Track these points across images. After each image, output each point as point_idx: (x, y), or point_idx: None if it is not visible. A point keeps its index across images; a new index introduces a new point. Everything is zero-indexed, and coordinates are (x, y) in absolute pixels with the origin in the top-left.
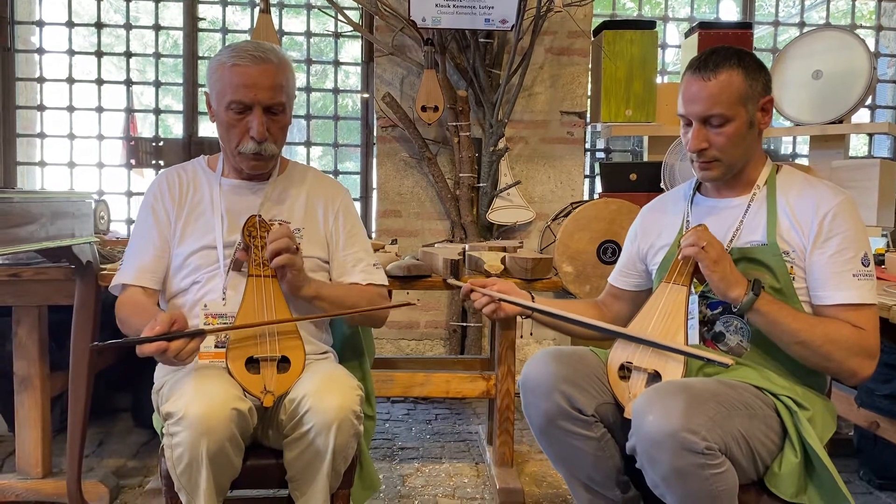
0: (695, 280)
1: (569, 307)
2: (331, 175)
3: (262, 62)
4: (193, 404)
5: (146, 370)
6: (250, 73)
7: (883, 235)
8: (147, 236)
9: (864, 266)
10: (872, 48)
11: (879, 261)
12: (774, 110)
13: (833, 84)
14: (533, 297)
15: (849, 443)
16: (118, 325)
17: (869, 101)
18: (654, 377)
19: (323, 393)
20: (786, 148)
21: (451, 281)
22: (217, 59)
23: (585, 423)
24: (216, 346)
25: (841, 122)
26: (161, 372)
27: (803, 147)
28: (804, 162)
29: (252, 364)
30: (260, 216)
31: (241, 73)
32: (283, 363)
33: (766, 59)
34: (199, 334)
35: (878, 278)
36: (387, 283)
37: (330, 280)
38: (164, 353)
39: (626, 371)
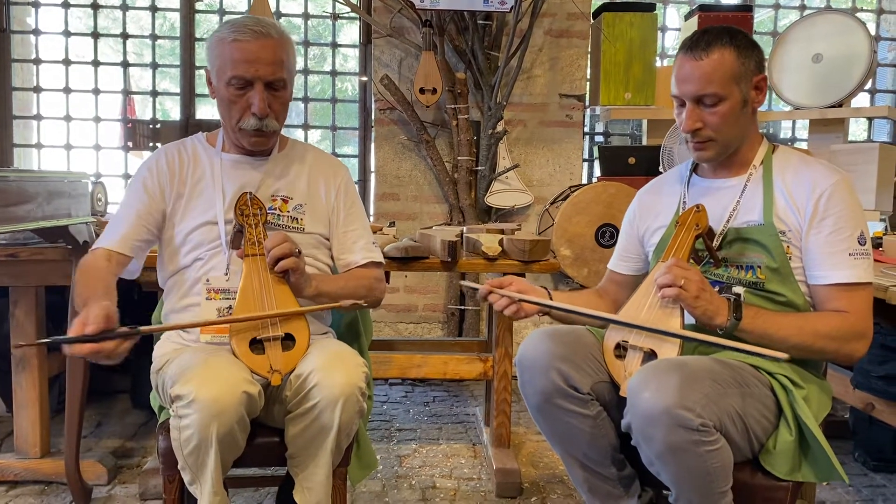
0: (691, 260)
1: (575, 299)
2: None
3: (263, 37)
4: (204, 387)
5: (144, 351)
6: (251, 49)
7: (881, 220)
8: (131, 205)
9: (861, 245)
10: (873, 32)
11: (877, 244)
12: (774, 94)
13: (833, 68)
14: (549, 293)
15: (844, 424)
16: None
17: (869, 85)
18: (650, 356)
19: (330, 369)
20: (785, 132)
21: (466, 283)
22: (217, 35)
23: (581, 401)
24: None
25: (840, 105)
26: (160, 351)
27: (803, 131)
28: (803, 146)
29: (256, 344)
30: (251, 194)
31: (242, 48)
32: (287, 340)
33: (767, 43)
34: (135, 334)
35: (877, 261)
36: (384, 261)
37: (331, 256)
38: (97, 354)
39: (621, 350)
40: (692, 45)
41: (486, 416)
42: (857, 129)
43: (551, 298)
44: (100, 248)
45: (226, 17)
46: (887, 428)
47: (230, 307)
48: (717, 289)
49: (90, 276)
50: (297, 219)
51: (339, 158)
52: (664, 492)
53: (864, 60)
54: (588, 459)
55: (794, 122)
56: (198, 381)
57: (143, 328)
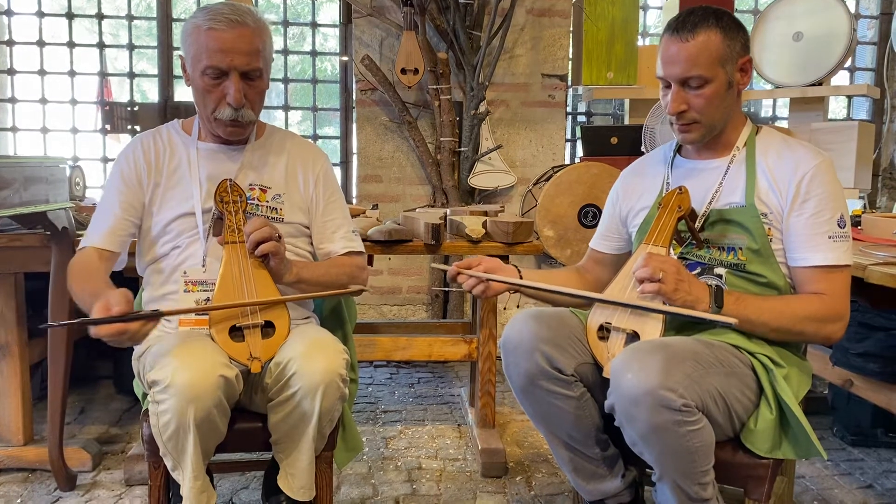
0: (674, 241)
1: (551, 277)
2: (310, 140)
3: (239, 26)
4: (180, 372)
5: None
6: (226, 38)
7: (860, 197)
8: (112, 200)
9: (840, 228)
10: (852, 10)
11: (856, 222)
12: (755, 73)
13: (813, 46)
14: (519, 271)
15: (823, 400)
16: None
17: (848, 64)
18: (633, 337)
19: (309, 356)
20: (766, 111)
21: (436, 265)
22: (192, 22)
23: (565, 382)
24: (197, 314)
25: (821, 84)
26: None
27: (783, 110)
28: (784, 124)
29: (236, 332)
30: (231, 180)
31: (217, 37)
32: (267, 328)
33: (748, 21)
34: (156, 316)
35: (855, 239)
36: (364, 249)
37: (311, 245)
38: (122, 335)
39: (605, 331)
40: (678, 27)
41: (471, 396)
42: (837, 108)
43: (521, 277)
44: (89, 248)
45: None
46: (865, 404)
47: (208, 299)
48: (698, 270)
49: (90, 272)
50: (276, 209)
51: (321, 140)
52: (647, 471)
53: (844, 38)
54: (572, 440)
55: (774, 101)
56: (174, 367)
57: (164, 310)
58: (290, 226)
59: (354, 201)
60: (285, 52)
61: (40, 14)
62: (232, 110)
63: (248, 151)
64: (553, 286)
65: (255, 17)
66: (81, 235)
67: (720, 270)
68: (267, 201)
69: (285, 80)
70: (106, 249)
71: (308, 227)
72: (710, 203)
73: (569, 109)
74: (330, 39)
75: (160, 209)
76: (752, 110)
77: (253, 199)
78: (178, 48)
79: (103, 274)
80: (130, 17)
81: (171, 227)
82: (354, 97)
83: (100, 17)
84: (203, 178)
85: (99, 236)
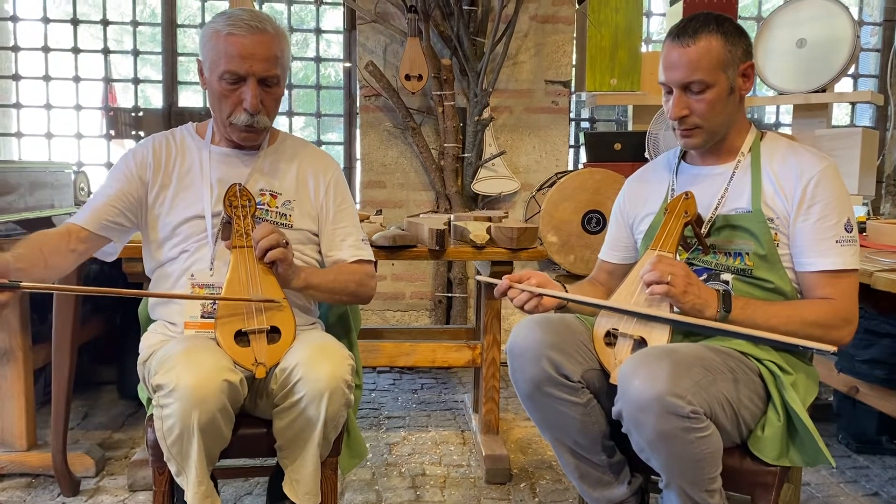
0: (680, 247)
1: (575, 291)
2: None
3: (258, 32)
4: (184, 376)
5: (131, 342)
6: (245, 44)
7: (864, 204)
8: (108, 186)
9: (847, 232)
10: (856, 16)
11: (861, 229)
12: (758, 79)
13: (817, 52)
14: (565, 287)
15: (828, 407)
16: None
17: (852, 70)
18: (640, 343)
19: (314, 362)
20: (769, 117)
21: (483, 278)
22: (211, 27)
23: (572, 388)
24: (203, 317)
25: (824, 90)
26: (147, 342)
27: (787, 116)
28: (787, 131)
29: (241, 337)
30: (240, 185)
31: (237, 42)
32: (273, 333)
33: (751, 28)
34: (12, 287)
35: (861, 246)
36: (373, 258)
37: (319, 252)
38: None
39: (611, 337)
40: (679, 32)
41: (475, 402)
42: (840, 114)
43: (566, 292)
44: (65, 224)
45: (207, 4)
46: (871, 411)
47: (215, 302)
48: (704, 276)
49: (27, 238)
50: (285, 215)
51: (325, 146)
52: (654, 478)
53: (848, 45)
54: (578, 446)
55: (778, 108)
56: (178, 370)
57: (24, 283)
58: (298, 232)
59: (358, 207)
60: None
61: (45, 20)
62: (248, 116)
63: (260, 157)
64: (604, 301)
65: (274, 24)
66: None
67: (727, 276)
68: (277, 207)
69: (289, 86)
70: (84, 228)
71: (317, 235)
72: (715, 209)
73: (572, 115)
74: (333, 46)
75: (169, 211)
76: (755, 116)
77: (263, 204)
78: (182, 54)
79: (41, 242)
80: (135, 24)
81: (179, 229)
82: (358, 103)
83: (104, 23)
84: (214, 181)
85: (80, 215)
